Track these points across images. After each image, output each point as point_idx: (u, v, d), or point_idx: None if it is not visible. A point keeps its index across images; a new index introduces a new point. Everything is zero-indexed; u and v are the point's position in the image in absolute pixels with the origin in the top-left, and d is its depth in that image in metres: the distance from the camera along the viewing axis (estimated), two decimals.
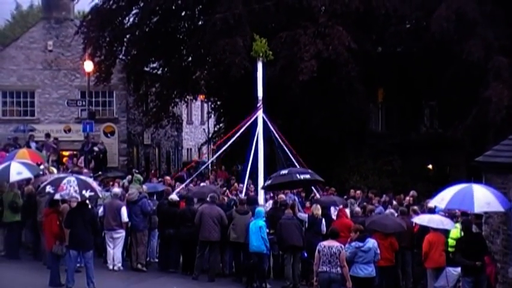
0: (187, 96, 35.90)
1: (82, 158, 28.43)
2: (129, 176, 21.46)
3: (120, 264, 16.87)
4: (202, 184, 21.98)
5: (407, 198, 20.85)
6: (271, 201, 19.37)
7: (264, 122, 19.76)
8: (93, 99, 32.91)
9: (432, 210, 16.78)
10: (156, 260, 18.17)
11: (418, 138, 31.38)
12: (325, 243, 13.11)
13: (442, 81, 27.06)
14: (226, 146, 22.02)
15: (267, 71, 20.95)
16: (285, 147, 20.19)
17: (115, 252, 16.81)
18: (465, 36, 25.38)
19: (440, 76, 26.98)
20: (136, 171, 25.89)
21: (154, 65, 32.93)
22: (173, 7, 30.23)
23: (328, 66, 25.95)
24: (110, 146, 32.31)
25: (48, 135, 29.76)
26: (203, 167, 26.09)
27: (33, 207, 16.97)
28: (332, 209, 18.39)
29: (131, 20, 31.06)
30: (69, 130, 33.01)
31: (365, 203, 20.05)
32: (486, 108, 24.44)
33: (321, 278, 12.94)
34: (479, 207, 13.41)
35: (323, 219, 17.02)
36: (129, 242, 17.44)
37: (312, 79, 25.33)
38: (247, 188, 20.33)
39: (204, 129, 44.72)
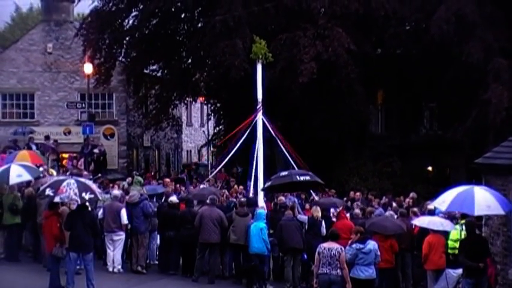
0: (187, 98, 35.90)
1: (82, 160, 28.45)
2: (130, 178, 21.46)
3: (120, 267, 16.88)
4: (202, 186, 21.98)
5: (407, 200, 20.88)
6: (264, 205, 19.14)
7: (264, 124, 19.75)
8: (93, 102, 32.85)
9: (432, 212, 16.80)
10: (156, 262, 18.13)
11: (418, 140, 31.38)
12: (325, 245, 13.11)
13: (442, 83, 27.04)
14: (231, 154, 21.26)
15: (266, 73, 20.89)
16: (284, 149, 20.16)
17: (115, 254, 16.81)
18: (465, 38, 25.37)
19: (440, 78, 26.95)
20: (137, 173, 25.91)
21: (154, 67, 32.86)
22: (173, 9, 30.15)
23: (327, 68, 25.91)
24: (110, 148, 32.33)
25: (47, 138, 29.80)
26: (214, 172, 24.75)
27: (33, 210, 16.96)
28: (332, 210, 18.42)
29: (131, 22, 31.03)
30: (69, 132, 32.98)
31: (363, 206, 20.03)
32: (486, 110, 24.41)
33: (321, 280, 12.92)
34: (479, 210, 13.41)
35: (323, 221, 17.05)
36: (129, 244, 17.43)
37: (312, 81, 25.29)
38: (247, 190, 20.30)
39: (203, 131, 44.67)
